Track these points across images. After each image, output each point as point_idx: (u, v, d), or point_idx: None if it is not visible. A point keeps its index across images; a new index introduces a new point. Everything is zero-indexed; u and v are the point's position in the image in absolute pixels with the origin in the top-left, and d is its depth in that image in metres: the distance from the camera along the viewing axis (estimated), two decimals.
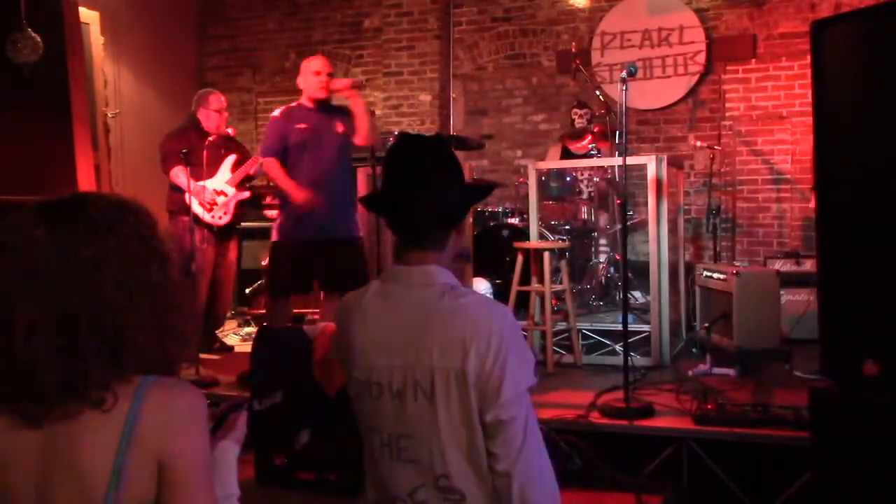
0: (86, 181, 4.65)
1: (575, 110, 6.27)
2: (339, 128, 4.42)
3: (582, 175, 5.99)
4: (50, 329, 1.18)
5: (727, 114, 6.48)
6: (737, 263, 5.80)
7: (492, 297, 5.02)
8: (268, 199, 6.44)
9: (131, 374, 1.22)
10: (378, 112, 6.66)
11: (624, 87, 3.72)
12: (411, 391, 1.56)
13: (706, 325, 4.70)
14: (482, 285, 5.45)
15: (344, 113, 4.48)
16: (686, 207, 6.07)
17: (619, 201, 5.71)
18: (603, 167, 5.90)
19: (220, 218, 5.25)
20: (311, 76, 4.40)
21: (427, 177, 1.66)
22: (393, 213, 1.71)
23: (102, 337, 1.20)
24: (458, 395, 1.53)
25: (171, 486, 1.22)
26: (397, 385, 1.58)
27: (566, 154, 6.11)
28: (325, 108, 4.46)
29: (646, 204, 5.04)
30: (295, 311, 6.14)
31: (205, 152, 4.99)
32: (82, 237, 1.22)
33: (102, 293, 1.20)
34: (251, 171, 5.41)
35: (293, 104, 4.55)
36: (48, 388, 1.18)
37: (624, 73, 3.77)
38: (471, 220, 5.44)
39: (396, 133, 6.24)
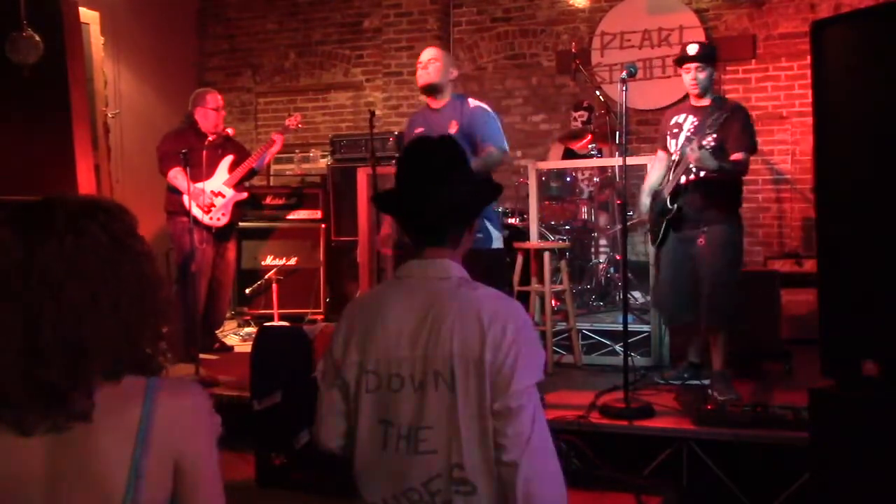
0: (86, 181, 4.64)
1: (572, 112, 6.28)
2: (452, 128, 3.95)
3: (582, 175, 5.99)
4: (16, 334, 1.17)
5: None
6: None
7: None
8: (267, 200, 6.46)
9: (97, 378, 1.20)
10: (378, 112, 6.65)
11: (624, 88, 3.73)
12: (432, 381, 1.58)
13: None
14: None
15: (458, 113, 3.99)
16: None
17: (619, 201, 5.71)
18: (603, 167, 5.90)
19: (218, 219, 5.25)
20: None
21: (443, 176, 1.70)
22: (410, 213, 1.75)
23: (64, 341, 1.18)
24: (475, 384, 1.56)
25: (187, 485, 1.23)
26: (419, 376, 1.60)
27: (566, 154, 6.11)
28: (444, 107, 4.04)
29: None
30: (295, 311, 6.16)
31: (203, 153, 4.99)
32: (42, 239, 1.20)
33: (62, 296, 1.18)
34: (254, 166, 5.40)
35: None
36: (14, 395, 1.17)
37: (624, 74, 3.79)
38: None
39: (396, 133, 6.25)
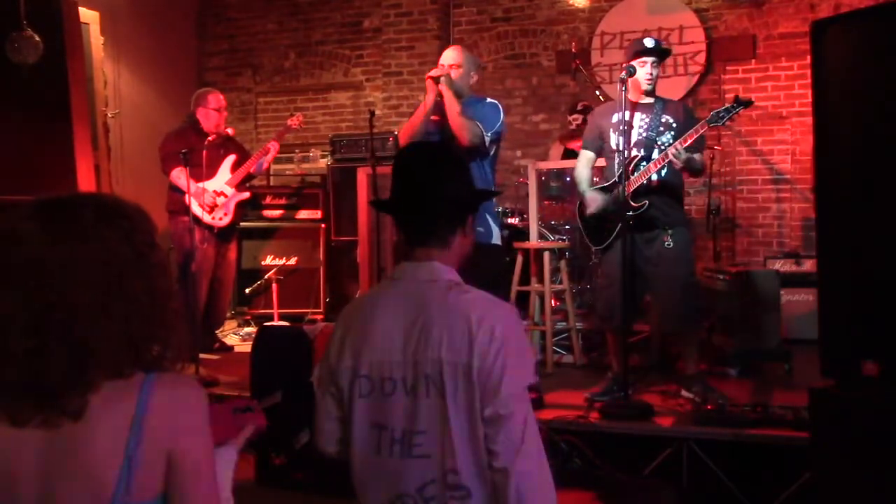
0: (85, 181, 4.64)
1: (568, 116, 6.26)
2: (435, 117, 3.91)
3: None
4: (21, 326, 1.17)
5: None
6: (737, 263, 5.80)
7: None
8: (268, 200, 6.46)
9: (97, 381, 1.20)
10: (378, 112, 6.65)
11: (623, 88, 3.72)
12: (423, 385, 1.58)
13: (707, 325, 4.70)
14: None
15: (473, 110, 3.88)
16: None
17: None
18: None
19: (220, 219, 5.26)
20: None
21: (434, 178, 1.71)
22: (400, 211, 1.76)
23: (69, 341, 1.18)
24: (464, 389, 1.55)
25: (179, 477, 1.23)
26: (411, 380, 1.59)
27: (567, 154, 6.10)
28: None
29: None
30: (295, 311, 6.16)
31: (204, 153, 4.99)
32: (64, 240, 1.20)
33: (74, 296, 1.19)
34: (252, 171, 5.42)
35: None
36: (11, 388, 1.17)
37: (623, 74, 3.77)
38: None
39: (397, 133, 6.25)
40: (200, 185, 5.10)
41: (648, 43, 3.87)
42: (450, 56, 3.92)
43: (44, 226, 1.21)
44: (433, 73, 3.83)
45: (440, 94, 3.80)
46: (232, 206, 5.31)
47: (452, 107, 3.75)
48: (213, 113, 5.26)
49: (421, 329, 1.60)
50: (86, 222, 1.23)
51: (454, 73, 3.85)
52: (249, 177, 5.49)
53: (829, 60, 2.56)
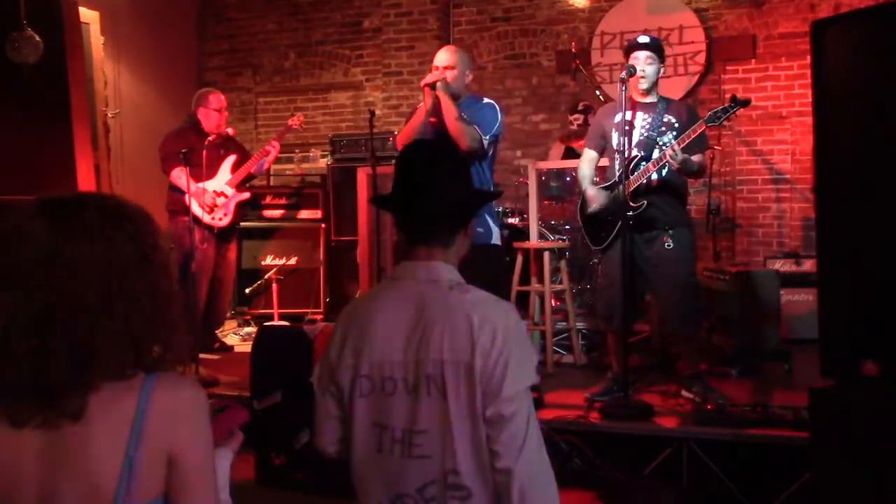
0: (85, 181, 4.65)
1: (568, 116, 6.26)
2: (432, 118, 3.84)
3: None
4: (22, 325, 1.17)
5: None
6: (737, 263, 5.80)
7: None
8: (268, 200, 6.46)
9: (97, 381, 1.20)
10: (378, 112, 6.65)
11: (623, 88, 3.71)
12: (424, 385, 1.57)
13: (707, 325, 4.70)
14: None
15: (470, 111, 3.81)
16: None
17: None
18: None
19: (220, 220, 5.26)
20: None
21: (436, 177, 1.71)
22: (402, 211, 1.76)
23: (70, 341, 1.18)
24: (466, 389, 1.55)
25: (179, 478, 1.23)
26: (412, 379, 1.59)
27: (567, 154, 6.10)
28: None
29: None
30: (295, 311, 6.16)
31: (204, 153, 4.99)
32: (71, 239, 1.21)
33: (79, 295, 1.19)
34: (252, 171, 5.42)
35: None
36: (12, 387, 1.17)
37: (623, 74, 3.77)
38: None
39: (397, 133, 6.25)
40: (200, 185, 5.10)
41: (641, 39, 3.88)
42: (443, 58, 3.87)
43: (49, 224, 1.21)
44: (428, 79, 3.79)
45: (437, 98, 3.78)
46: (232, 206, 5.31)
47: (450, 112, 3.70)
48: (214, 113, 5.26)
49: (422, 329, 1.59)
50: (90, 222, 1.23)
51: (449, 76, 3.79)
52: (250, 177, 5.49)
53: (829, 60, 2.56)
